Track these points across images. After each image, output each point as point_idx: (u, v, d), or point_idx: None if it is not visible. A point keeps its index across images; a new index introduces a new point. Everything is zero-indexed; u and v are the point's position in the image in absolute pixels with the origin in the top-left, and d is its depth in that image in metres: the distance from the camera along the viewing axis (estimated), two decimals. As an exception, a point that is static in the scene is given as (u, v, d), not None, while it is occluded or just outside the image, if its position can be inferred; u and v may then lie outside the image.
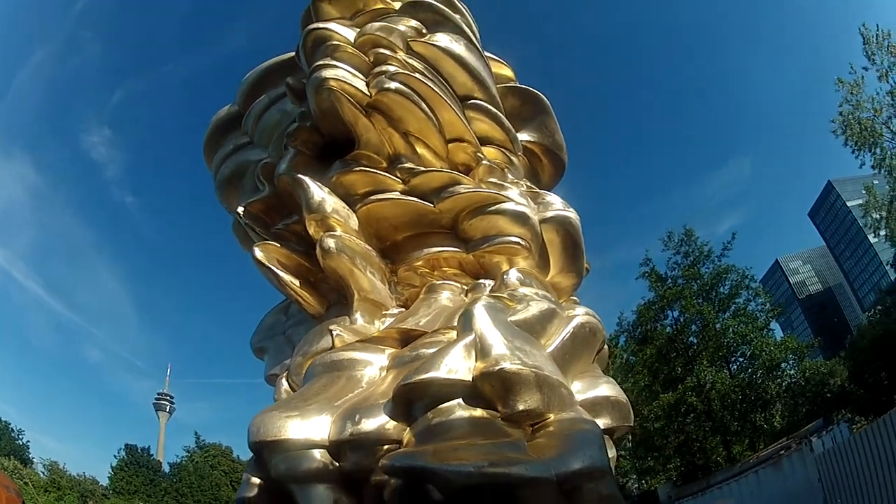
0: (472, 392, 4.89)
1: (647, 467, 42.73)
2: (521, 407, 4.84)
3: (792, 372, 39.95)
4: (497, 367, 4.77)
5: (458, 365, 4.94)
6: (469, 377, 4.88)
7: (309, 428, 4.98)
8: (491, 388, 4.82)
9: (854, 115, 36.99)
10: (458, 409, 4.84)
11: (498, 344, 4.96)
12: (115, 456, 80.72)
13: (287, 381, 6.60)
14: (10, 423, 73.53)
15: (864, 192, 40.54)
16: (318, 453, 4.96)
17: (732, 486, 28.67)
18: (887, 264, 41.58)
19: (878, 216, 38.87)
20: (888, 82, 36.67)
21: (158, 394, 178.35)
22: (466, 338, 5.12)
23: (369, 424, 4.93)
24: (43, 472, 69.48)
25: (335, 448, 4.96)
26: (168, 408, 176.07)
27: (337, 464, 4.98)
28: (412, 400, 5.01)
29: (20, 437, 72.96)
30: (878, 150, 36.59)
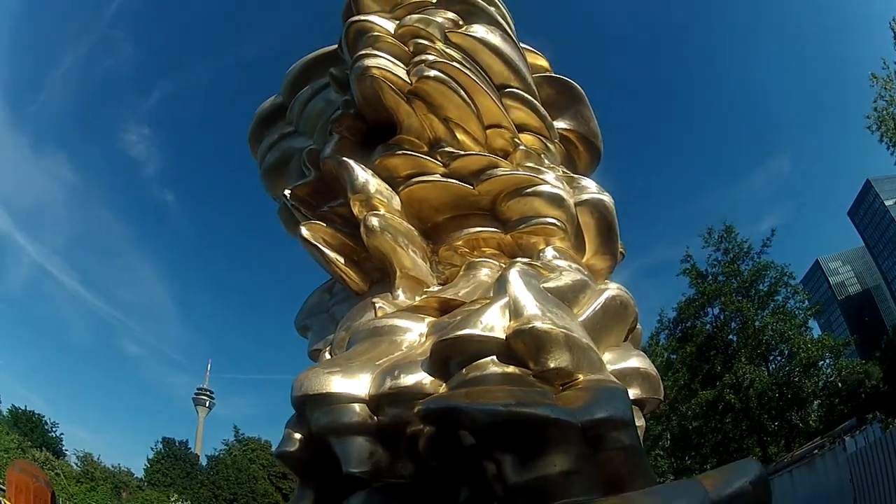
0: (506, 350, 5.15)
1: (684, 467, 42.40)
2: (551, 364, 5.08)
3: (829, 371, 39.42)
4: (529, 326, 5.04)
5: (493, 322, 5.22)
6: (503, 335, 5.15)
7: (350, 384, 5.28)
8: (523, 345, 5.08)
9: (888, 111, 36.35)
10: (492, 366, 5.11)
11: (531, 305, 5.24)
12: (151, 448, 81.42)
13: (329, 354, 6.85)
14: (43, 416, 73.57)
15: None
16: (357, 407, 5.24)
17: (767, 486, 28.39)
18: None
19: None
20: (920, 76, 35.95)
21: (198, 389, 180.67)
22: (501, 299, 5.40)
23: (408, 380, 5.21)
24: (76, 464, 70.33)
25: (374, 402, 5.25)
26: (207, 403, 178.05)
27: (375, 418, 5.26)
28: (449, 356, 5.29)
29: (54, 429, 73.64)
30: None
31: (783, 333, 38.85)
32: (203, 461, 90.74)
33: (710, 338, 41.00)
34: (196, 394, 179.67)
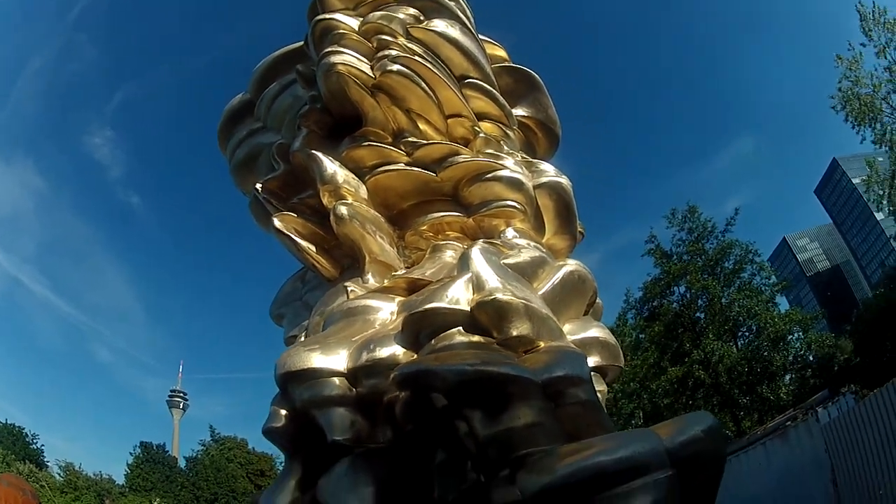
0: (471, 321, 5.59)
1: (658, 444, 43.02)
2: (514, 333, 5.53)
3: (798, 345, 40.20)
4: (491, 297, 5.48)
5: (458, 296, 5.68)
6: (468, 307, 5.59)
7: (329, 359, 5.65)
8: (486, 316, 5.52)
9: (853, 91, 37.13)
10: (459, 336, 5.55)
11: (492, 279, 5.67)
12: (130, 454, 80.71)
13: (298, 342, 7.18)
14: (24, 428, 72.61)
15: (866, 167, 40.76)
16: (337, 381, 5.61)
17: (741, 458, 28.51)
18: (893, 240, 41.88)
19: (880, 192, 39.06)
20: (886, 58, 36.83)
21: (171, 391, 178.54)
22: (465, 275, 5.85)
23: (383, 352, 5.62)
24: (59, 474, 69.44)
25: (352, 375, 5.63)
26: (182, 404, 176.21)
27: (354, 390, 5.64)
28: (419, 329, 5.72)
29: (34, 441, 72.63)
30: (878, 126, 36.70)
31: (750, 310, 39.52)
32: (181, 463, 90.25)
33: (678, 316, 41.63)
34: (170, 396, 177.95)
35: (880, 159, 40.46)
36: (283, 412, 6.12)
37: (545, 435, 4.86)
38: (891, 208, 38.47)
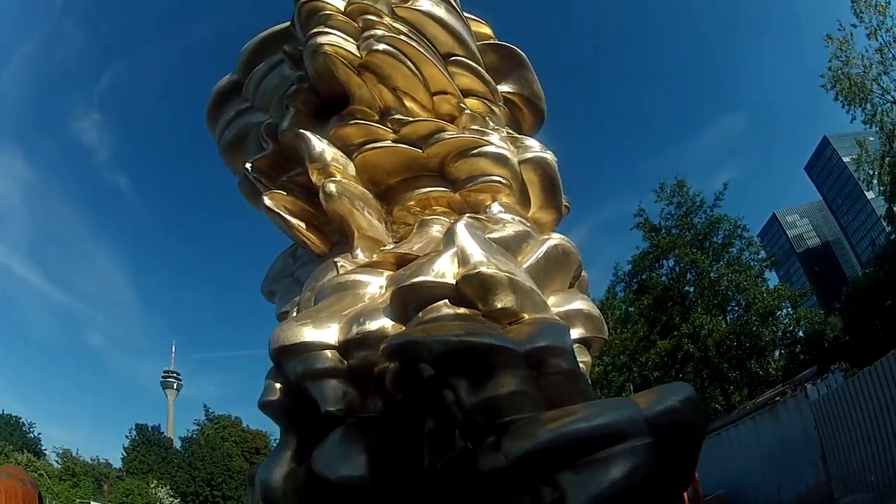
0: (456, 294, 5.78)
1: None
2: (498, 305, 5.72)
3: (787, 321, 40.56)
4: (476, 271, 5.67)
5: (444, 269, 5.86)
6: (453, 281, 5.79)
7: (321, 333, 5.85)
8: (471, 289, 5.70)
9: (843, 71, 37.43)
10: (445, 308, 5.74)
11: (477, 253, 5.86)
12: (126, 437, 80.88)
13: (290, 317, 7.33)
14: (20, 418, 73.47)
15: (857, 146, 41.03)
16: (329, 353, 5.81)
17: (731, 432, 28.97)
18: (883, 219, 42.18)
19: (870, 171, 39.34)
20: (877, 40, 37.20)
21: (165, 372, 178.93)
22: (450, 250, 6.02)
23: (372, 325, 5.81)
24: (57, 462, 69.87)
25: (343, 348, 5.82)
26: (175, 385, 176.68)
27: (345, 362, 5.84)
28: (406, 302, 5.91)
29: (31, 430, 73.14)
30: (868, 106, 37.02)
31: (739, 284, 40.01)
32: (177, 443, 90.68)
33: (667, 289, 42.11)
34: (163, 377, 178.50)
35: (871, 139, 40.74)
36: (278, 386, 6.28)
37: (528, 403, 5.09)
38: (881, 188, 38.81)
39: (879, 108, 36.52)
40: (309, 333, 5.85)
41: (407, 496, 5.48)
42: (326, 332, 5.87)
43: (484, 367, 5.05)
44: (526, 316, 5.90)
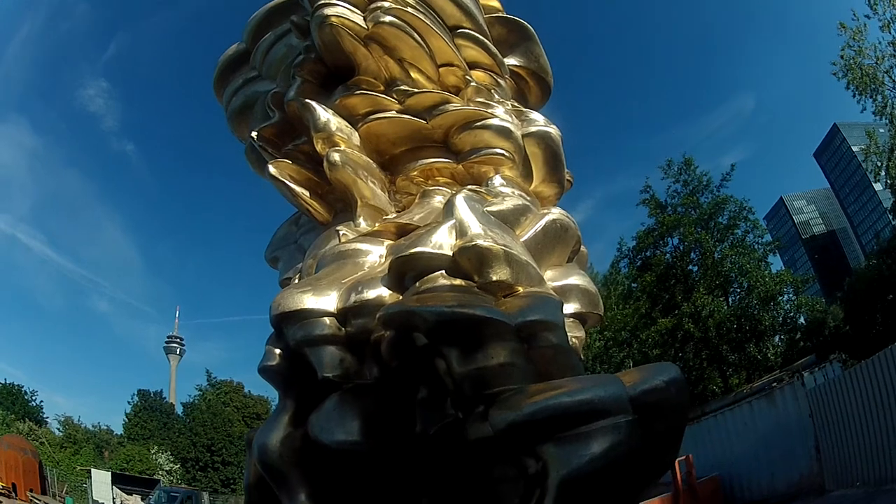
0: (453, 265, 5.90)
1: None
2: (493, 277, 5.83)
3: (787, 307, 40.65)
4: (472, 243, 5.77)
5: (442, 241, 5.98)
6: (450, 252, 5.90)
7: (321, 300, 5.97)
8: (468, 261, 5.81)
9: (856, 61, 37.36)
10: (441, 279, 5.86)
11: (474, 226, 5.97)
12: (129, 403, 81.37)
13: (293, 283, 7.44)
14: (22, 387, 73.57)
15: (866, 137, 41.03)
16: (328, 321, 5.94)
17: (727, 415, 29.14)
18: (889, 212, 42.28)
19: (878, 163, 39.37)
20: (890, 33, 37.16)
21: (168, 337, 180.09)
22: (448, 221, 6.14)
23: (370, 294, 5.95)
24: (58, 430, 70.17)
25: (342, 315, 5.96)
26: (178, 350, 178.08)
27: (343, 329, 5.97)
28: (404, 272, 6.04)
29: (33, 398, 73.40)
30: (879, 98, 37.03)
31: (742, 267, 40.05)
32: (179, 409, 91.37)
33: (670, 267, 42.21)
34: (166, 342, 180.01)
35: (881, 130, 40.66)
36: (277, 351, 6.43)
37: (517, 375, 5.23)
38: (888, 180, 38.80)
39: (890, 101, 36.61)
40: (309, 301, 5.98)
41: (399, 462, 5.63)
42: (326, 300, 6.00)
43: (475, 339, 5.18)
44: (520, 289, 6.01)
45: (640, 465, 4.92)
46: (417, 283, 5.93)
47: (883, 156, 38.47)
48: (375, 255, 6.76)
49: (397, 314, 5.51)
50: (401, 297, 5.91)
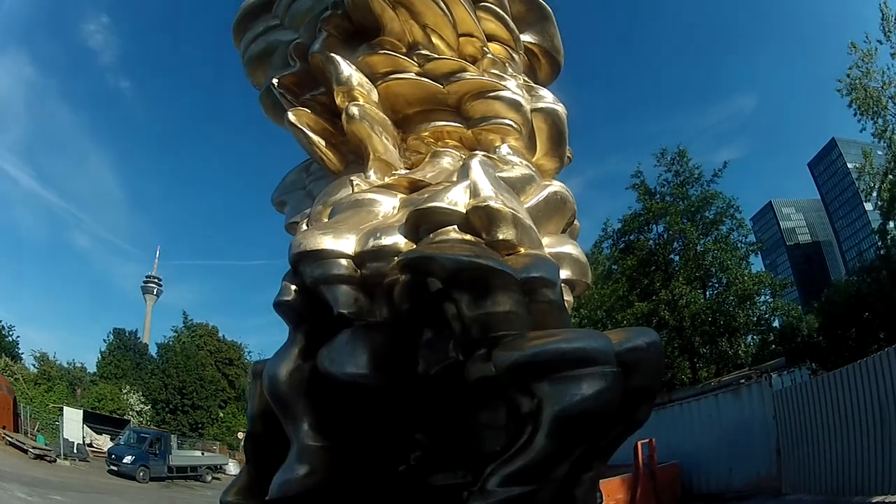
0: (465, 222, 6.41)
1: (616, 373, 44.88)
2: (500, 237, 6.35)
3: (763, 308, 41.37)
4: (485, 203, 6.29)
5: (457, 199, 6.48)
6: (463, 210, 6.42)
7: (339, 243, 6.43)
8: (479, 219, 6.33)
9: (861, 82, 37.78)
10: (453, 233, 6.37)
11: (487, 188, 6.46)
12: (104, 341, 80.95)
13: (306, 225, 7.87)
14: (0, 321, 72.58)
15: (862, 156, 41.56)
16: (344, 262, 6.39)
17: (693, 405, 29.80)
18: (875, 233, 43.10)
19: (871, 184, 39.91)
20: (899, 63, 37.42)
21: (147, 277, 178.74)
22: (464, 182, 6.64)
23: (387, 241, 6.42)
24: (33, 365, 69.74)
25: (358, 258, 6.42)
26: (155, 291, 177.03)
27: (359, 271, 6.43)
28: (419, 224, 6.52)
29: (10, 333, 72.78)
30: (880, 121, 37.48)
31: (723, 262, 40.81)
32: (153, 349, 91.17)
33: (652, 254, 42.98)
34: (144, 282, 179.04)
35: (879, 152, 41.19)
36: (293, 288, 6.89)
37: (518, 322, 5.79)
38: (879, 202, 39.43)
39: (891, 125, 37.13)
40: (328, 242, 6.42)
41: (399, 398, 6.15)
42: (344, 243, 6.45)
43: (485, 287, 5.71)
44: (523, 250, 6.55)
45: (618, 415, 5.56)
46: (431, 235, 6.42)
47: (876, 177, 39.19)
48: (388, 205, 7.21)
49: (417, 259, 6.02)
50: (415, 246, 6.39)
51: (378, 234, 6.48)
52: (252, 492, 7.24)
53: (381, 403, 6.21)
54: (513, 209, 6.49)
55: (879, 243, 40.91)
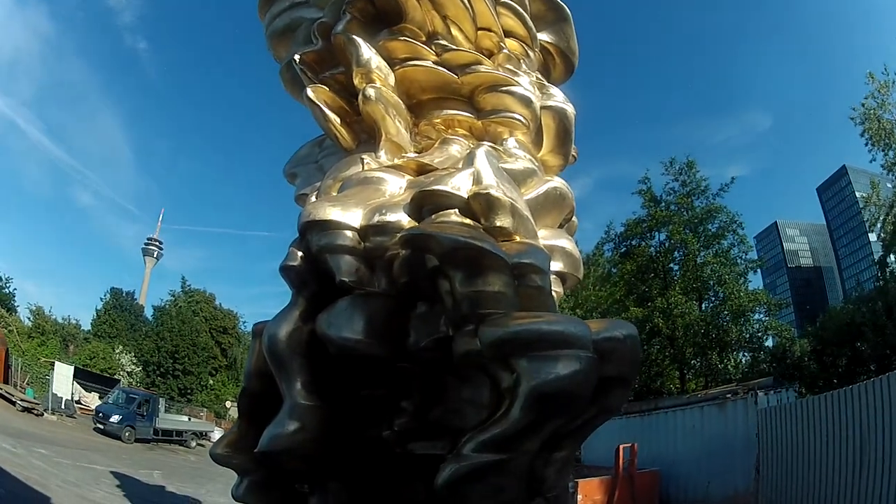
0: (466, 206, 6.78)
1: (607, 377, 45.33)
2: (497, 223, 6.73)
3: (757, 326, 41.59)
4: (486, 191, 6.65)
5: (460, 185, 6.85)
6: (465, 195, 6.78)
7: (346, 215, 6.79)
8: (479, 205, 6.69)
9: (876, 113, 37.92)
10: (454, 216, 6.75)
11: (489, 177, 6.82)
12: (101, 300, 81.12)
13: (315, 198, 8.17)
14: None
15: (870, 186, 41.70)
16: (349, 234, 6.75)
17: (678, 414, 30.02)
18: (876, 265, 43.31)
19: (877, 215, 40.09)
20: (917, 102, 37.57)
21: (148, 239, 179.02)
22: (469, 169, 7.02)
23: (391, 217, 6.78)
24: (28, 319, 69.95)
25: (363, 231, 6.78)
26: (156, 253, 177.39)
27: (362, 244, 6.79)
28: (423, 205, 6.90)
29: (7, 285, 72.83)
30: (891, 154, 37.62)
31: (721, 276, 41.08)
32: (148, 311, 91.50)
33: (652, 261, 43.36)
34: (145, 244, 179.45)
35: (888, 185, 41.35)
36: (300, 254, 7.24)
37: (506, 303, 6.18)
38: (882, 234, 39.61)
39: None
40: (335, 213, 6.79)
41: (389, 367, 6.57)
42: (351, 215, 6.82)
43: (478, 267, 6.08)
44: (518, 238, 6.91)
45: (591, 400, 5.94)
46: (433, 216, 6.79)
47: (882, 209, 39.44)
48: (395, 185, 7.57)
49: (418, 236, 6.39)
50: (417, 224, 6.76)
51: (383, 211, 6.84)
52: (241, 445, 7.63)
53: (372, 369, 6.61)
54: (512, 199, 6.85)
55: (878, 274, 41.09)
